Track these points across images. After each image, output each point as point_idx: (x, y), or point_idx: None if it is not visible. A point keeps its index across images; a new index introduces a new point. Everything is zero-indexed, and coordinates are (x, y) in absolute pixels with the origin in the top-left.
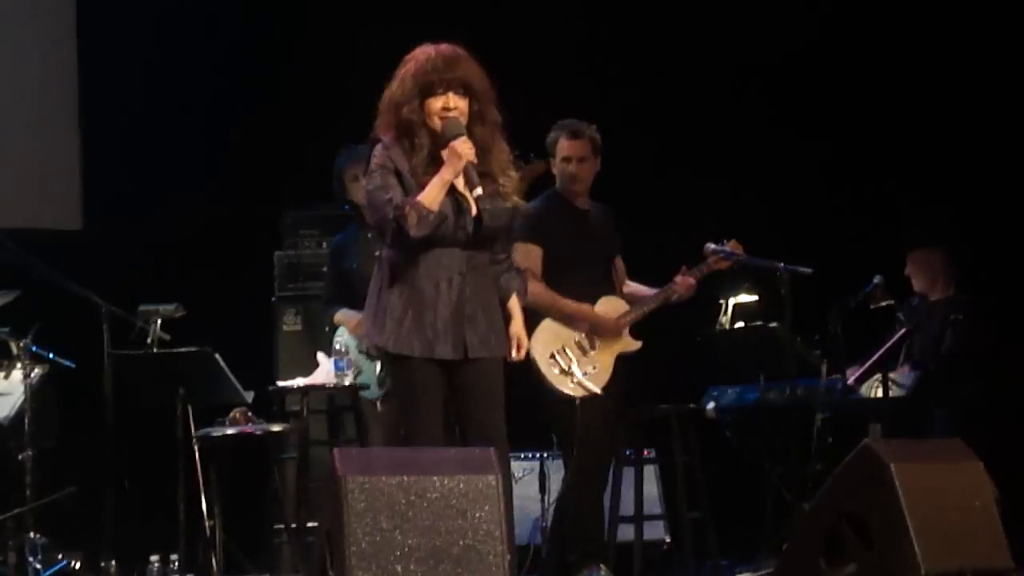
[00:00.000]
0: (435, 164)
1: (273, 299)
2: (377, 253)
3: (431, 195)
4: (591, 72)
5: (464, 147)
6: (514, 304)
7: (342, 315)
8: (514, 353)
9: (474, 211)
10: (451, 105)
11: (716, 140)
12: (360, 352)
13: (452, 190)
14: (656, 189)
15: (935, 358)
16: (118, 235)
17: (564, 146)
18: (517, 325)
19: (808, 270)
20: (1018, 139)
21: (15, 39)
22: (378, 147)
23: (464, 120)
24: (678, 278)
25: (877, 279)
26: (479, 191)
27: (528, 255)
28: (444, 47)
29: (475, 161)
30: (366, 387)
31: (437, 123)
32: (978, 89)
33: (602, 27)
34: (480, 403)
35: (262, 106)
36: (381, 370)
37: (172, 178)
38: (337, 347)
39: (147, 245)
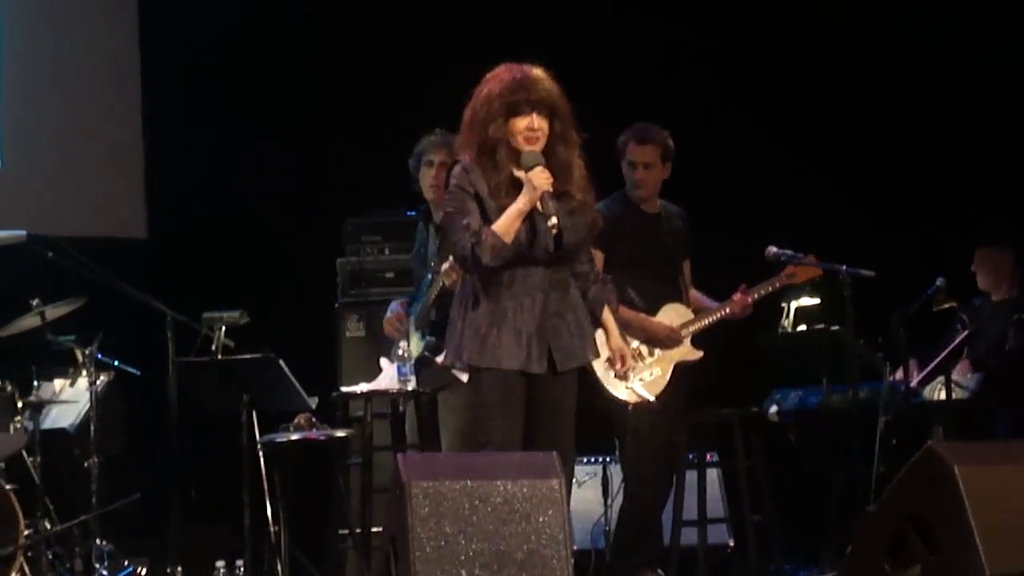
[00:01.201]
0: (515, 186)
1: (336, 305)
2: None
3: (506, 224)
4: (651, 74)
5: (541, 178)
6: (608, 318)
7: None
8: (617, 366)
9: (554, 229)
10: (535, 125)
11: (778, 143)
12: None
13: (532, 209)
14: (718, 193)
15: (997, 358)
16: (183, 243)
17: (632, 150)
18: (616, 340)
19: (870, 273)
20: None
21: (79, 50)
22: (457, 168)
23: (545, 140)
24: (736, 296)
25: (939, 281)
26: (554, 220)
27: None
28: (526, 67)
29: (551, 190)
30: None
31: (520, 142)
32: None
33: (663, 28)
34: (556, 418)
35: (325, 114)
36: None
37: (235, 186)
38: (400, 352)
39: (211, 253)
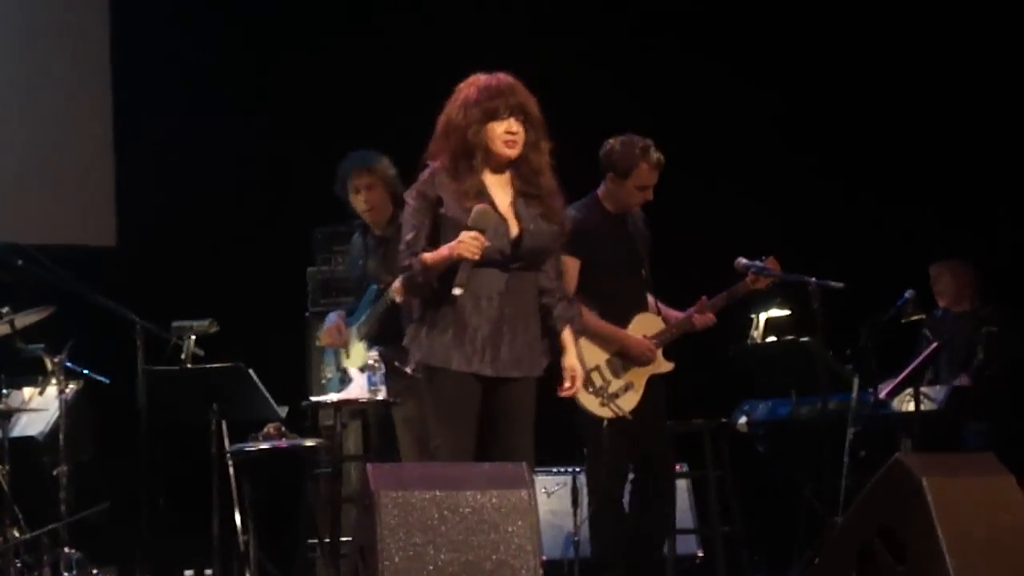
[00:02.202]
0: (482, 192)
1: (306, 314)
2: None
3: (434, 260)
4: (613, 85)
5: (469, 248)
6: (568, 336)
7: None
8: (567, 385)
9: (514, 232)
10: (513, 129)
11: (748, 154)
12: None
13: (495, 210)
14: (687, 204)
15: (967, 370)
16: (152, 251)
17: (647, 175)
18: (571, 359)
19: (840, 284)
20: None
21: (50, 58)
22: (425, 172)
23: (521, 145)
24: (695, 310)
25: (909, 294)
26: (457, 291)
27: (565, 268)
28: (502, 75)
29: (479, 256)
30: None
31: (500, 146)
32: (1006, 105)
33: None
34: (510, 424)
35: (295, 123)
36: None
37: (206, 195)
38: (371, 362)
39: (181, 261)
